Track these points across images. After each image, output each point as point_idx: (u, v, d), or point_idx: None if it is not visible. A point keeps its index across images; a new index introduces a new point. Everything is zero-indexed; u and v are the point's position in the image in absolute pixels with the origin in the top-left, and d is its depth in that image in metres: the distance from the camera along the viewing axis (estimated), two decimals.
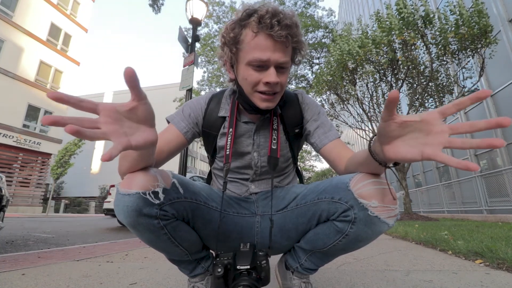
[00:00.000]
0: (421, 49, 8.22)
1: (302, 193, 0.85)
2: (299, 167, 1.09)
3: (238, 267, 0.64)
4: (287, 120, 0.92)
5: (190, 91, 4.31)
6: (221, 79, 13.49)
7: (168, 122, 0.91)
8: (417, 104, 8.94)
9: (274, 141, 0.86)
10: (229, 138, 0.85)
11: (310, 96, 0.98)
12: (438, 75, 8.52)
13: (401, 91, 9.21)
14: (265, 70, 0.74)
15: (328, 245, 0.77)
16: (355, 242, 0.74)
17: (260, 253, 0.67)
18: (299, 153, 1.04)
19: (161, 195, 0.65)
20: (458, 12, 7.16)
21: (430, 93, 8.91)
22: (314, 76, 13.25)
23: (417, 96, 8.80)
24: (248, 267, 0.63)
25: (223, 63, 0.84)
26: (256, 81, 0.76)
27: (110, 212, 6.08)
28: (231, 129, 0.86)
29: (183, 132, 0.87)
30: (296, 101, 0.94)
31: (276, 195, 0.91)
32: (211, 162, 1.01)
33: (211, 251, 0.93)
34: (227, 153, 0.84)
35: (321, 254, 0.84)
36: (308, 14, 14.26)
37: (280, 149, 0.90)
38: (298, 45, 0.77)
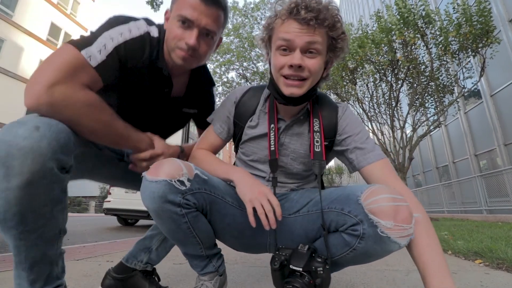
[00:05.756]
0: (421, 49, 8.22)
1: (316, 198, 0.84)
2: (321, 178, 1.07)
3: (291, 266, 0.64)
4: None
5: None
6: (223, 78, 13.44)
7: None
8: (417, 104, 8.94)
9: (317, 144, 0.83)
10: (271, 134, 0.86)
11: (352, 111, 0.95)
12: (439, 74, 8.51)
13: (401, 91, 9.22)
14: (291, 54, 0.75)
15: (336, 256, 0.75)
16: (364, 257, 0.72)
17: (318, 259, 0.65)
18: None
19: (187, 183, 0.69)
20: (460, 11, 7.15)
21: (430, 93, 8.91)
22: None
23: (417, 96, 8.80)
24: (301, 269, 0.63)
25: (266, 57, 0.88)
26: (281, 64, 0.76)
27: (110, 212, 6.09)
28: (272, 125, 0.87)
29: (218, 133, 0.97)
30: (335, 114, 0.91)
31: (291, 197, 0.91)
32: (236, 152, 1.04)
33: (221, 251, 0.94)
34: (272, 148, 0.85)
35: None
36: None
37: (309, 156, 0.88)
38: (334, 32, 0.76)
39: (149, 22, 0.84)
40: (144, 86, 0.87)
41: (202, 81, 1.04)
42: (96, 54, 0.71)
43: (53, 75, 0.64)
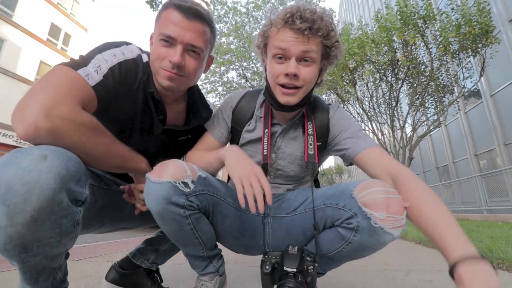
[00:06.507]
0: (421, 49, 8.23)
1: (311, 197, 0.85)
2: (318, 178, 1.09)
3: (285, 268, 0.64)
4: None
5: None
6: (224, 78, 13.42)
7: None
8: (417, 104, 8.94)
9: (310, 146, 0.86)
10: (265, 139, 0.88)
11: (344, 110, 0.96)
12: (439, 74, 8.52)
13: (401, 90, 9.23)
14: (287, 63, 0.78)
15: (333, 251, 0.77)
16: (360, 251, 0.73)
17: (308, 258, 0.66)
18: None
19: (191, 185, 0.69)
20: (460, 11, 7.16)
21: (430, 92, 8.91)
22: None
23: (417, 96, 8.80)
24: (295, 270, 0.64)
25: (262, 63, 0.90)
26: (277, 73, 0.79)
27: None
28: (266, 130, 0.89)
29: (217, 138, 0.96)
30: (326, 114, 0.93)
31: (287, 197, 0.92)
32: None
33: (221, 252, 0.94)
34: (265, 153, 0.86)
35: (327, 259, 0.84)
36: None
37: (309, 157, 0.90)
38: (328, 41, 0.78)
39: (140, 48, 0.83)
40: (136, 112, 0.82)
41: (199, 107, 0.98)
42: (93, 73, 0.68)
43: (49, 96, 0.57)
